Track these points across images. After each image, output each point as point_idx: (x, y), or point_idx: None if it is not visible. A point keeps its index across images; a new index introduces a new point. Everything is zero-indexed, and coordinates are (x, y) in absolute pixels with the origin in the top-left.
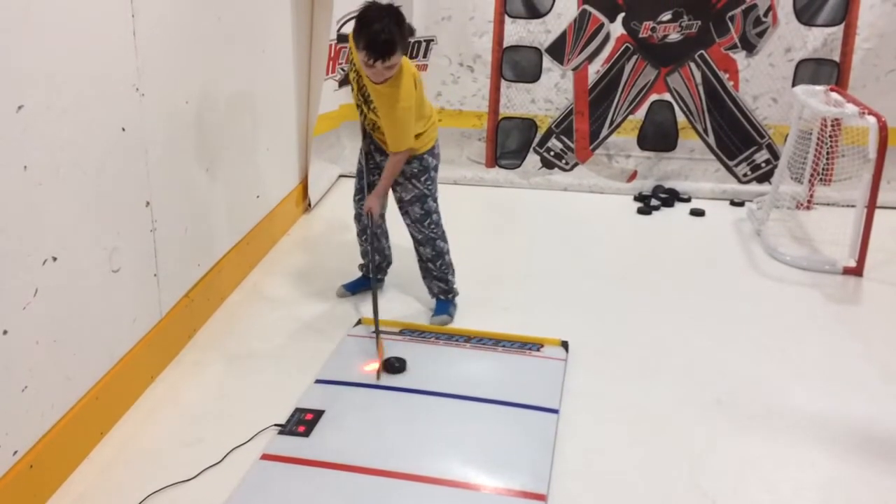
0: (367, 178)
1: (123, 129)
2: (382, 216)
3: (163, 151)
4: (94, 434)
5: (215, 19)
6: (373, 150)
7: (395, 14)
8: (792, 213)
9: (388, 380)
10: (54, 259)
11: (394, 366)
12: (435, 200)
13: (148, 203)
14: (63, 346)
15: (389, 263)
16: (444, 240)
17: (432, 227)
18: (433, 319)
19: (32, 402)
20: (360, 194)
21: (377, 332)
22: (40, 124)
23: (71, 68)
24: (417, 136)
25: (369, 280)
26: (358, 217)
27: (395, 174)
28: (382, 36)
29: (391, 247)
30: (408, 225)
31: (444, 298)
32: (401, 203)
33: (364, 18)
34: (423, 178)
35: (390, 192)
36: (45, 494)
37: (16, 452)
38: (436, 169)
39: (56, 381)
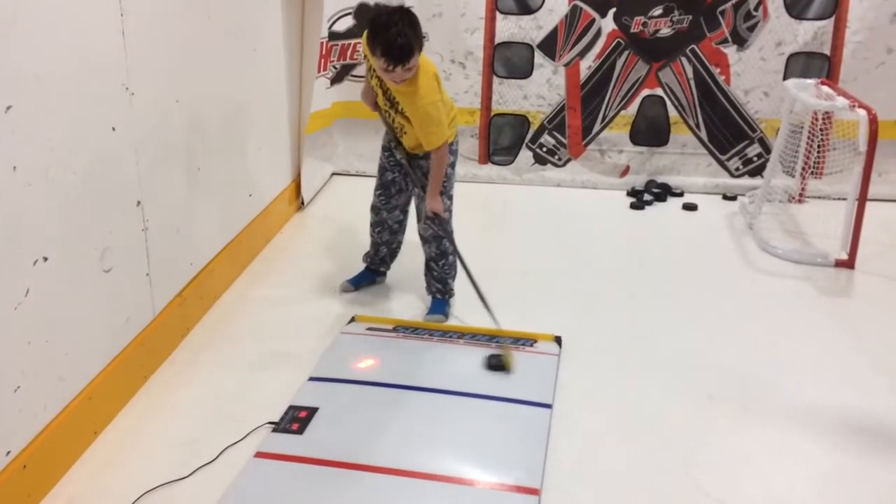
0: (386, 174)
1: (113, 129)
2: (404, 211)
3: (153, 151)
4: (87, 434)
5: (205, 18)
6: (392, 146)
7: (407, 15)
8: (784, 207)
9: (386, 376)
10: (45, 259)
11: (493, 364)
12: (449, 198)
13: (139, 202)
14: (55, 346)
15: (394, 258)
16: (451, 240)
17: (442, 224)
18: (427, 317)
19: (25, 403)
20: (381, 189)
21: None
22: (29, 125)
23: (60, 68)
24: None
25: (372, 273)
26: (375, 209)
27: (443, 169)
28: (399, 41)
29: (401, 241)
30: (418, 220)
31: (441, 297)
32: (415, 198)
33: (377, 25)
34: None
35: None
36: (39, 495)
37: (9, 453)
38: (452, 166)
39: (49, 381)
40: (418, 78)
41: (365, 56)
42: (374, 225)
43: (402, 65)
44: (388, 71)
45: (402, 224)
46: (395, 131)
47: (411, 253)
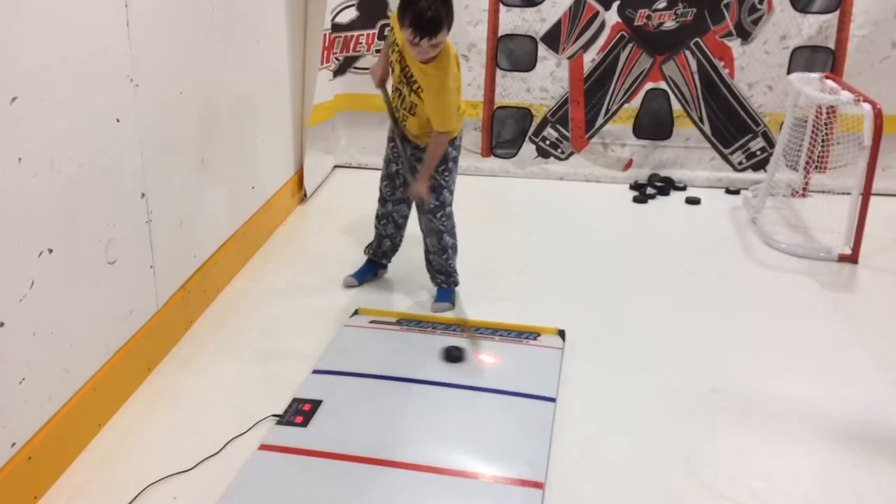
0: (391, 165)
1: (118, 121)
2: (409, 205)
3: (158, 143)
4: (92, 425)
5: (209, 9)
6: (396, 137)
7: None
8: (787, 201)
9: (390, 369)
10: (50, 251)
11: (452, 354)
12: (451, 193)
13: (143, 194)
14: (60, 337)
15: (395, 251)
16: (453, 235)
17: (444, 219)
18: (434, 306)
19: (30, 394)
20: (386, 180)
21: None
22: (34, 116)
23: (64, 59)
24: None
25: (374, 265)
26: (382, 200)
27: (439, 156)
28: (429, 13)
29: (403, 235)
30: (419, 214)
31: (446, 287)
32: None
33: None
34: (440, 169)
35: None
36: (44, 486)
37: (14, 444)
38: (455, 160)
39: (54, 372)
40: (445, 62)
41: (391, 28)
42: (380, 217)
43: (429, 38)
44: (413, 44)
45: (406, 218)
46: (398, 114)
47: (413, 246)
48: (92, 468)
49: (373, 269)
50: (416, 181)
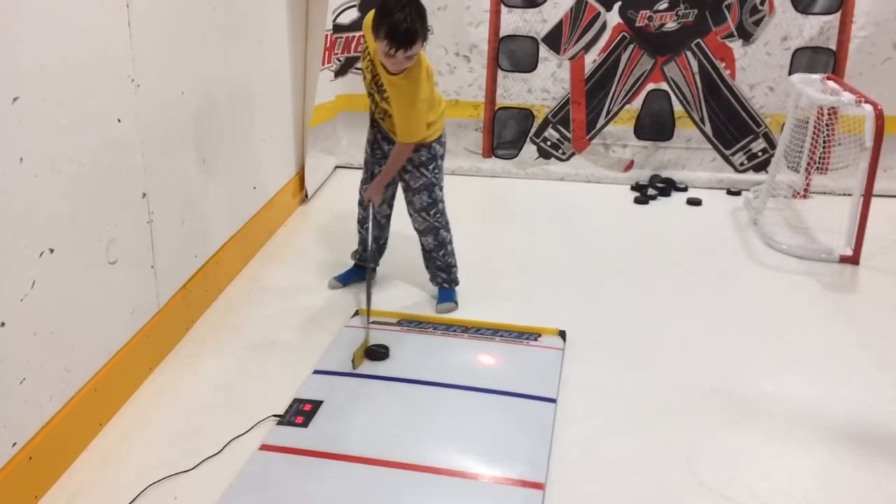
0: (373, 167)
1: (119, 121)
2: (391, 205)
3: (159, 143)
4: (92, 425)
5: (210, 9)
6: (379, 139)
7: (416, 3)
8: (788, 202)
9: (387, 370)
10: (51, 251)
11: (378, 352)
12: (441, 189)
13: (144, 194)
14: (61, 337)
15: (382, 252)
16: (448, 229)
17: (437, 216)
18: (440, 307)
19: (31, 394)
20: (368, 184)
21: (367, 318)
22: (36, 116)
23: (66, 59)
24: (428, 125)
25: (361, 269)
26: (363, 204)
27: (400, 164)
28: (404, 25)
29: (388, 236)
30: (411, 213)
31: (448, 287)
32: (407, 191)
33: (385, 7)
34: (430, 167)
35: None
36: (45, 486)
37: (15, 444)
38: (442, 157)
39: (54, 372)
40: (415, 74)
41: (363, 37)
42: (362, 221)
43: (404, 50)
44: (388, 55)
45: (389, 218)
46: (376, 116)
47: (412, 246)
48: (93, 468)
49: (359, 273)
50: (371, 185)
